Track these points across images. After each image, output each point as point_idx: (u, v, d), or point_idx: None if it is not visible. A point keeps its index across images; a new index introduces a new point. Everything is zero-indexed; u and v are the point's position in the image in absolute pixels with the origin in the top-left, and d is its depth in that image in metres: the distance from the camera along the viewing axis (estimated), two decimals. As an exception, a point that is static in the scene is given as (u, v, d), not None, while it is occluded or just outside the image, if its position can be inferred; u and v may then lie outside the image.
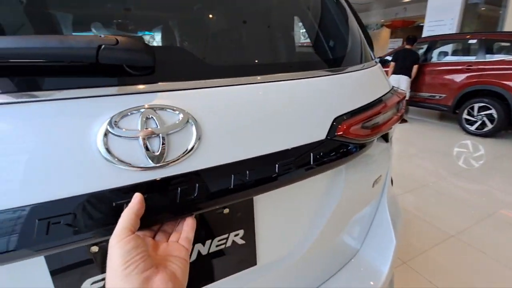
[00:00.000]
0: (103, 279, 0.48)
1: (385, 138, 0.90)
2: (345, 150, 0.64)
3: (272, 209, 0.64)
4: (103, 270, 0.48)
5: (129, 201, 0.41)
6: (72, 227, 0.39)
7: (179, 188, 0.45)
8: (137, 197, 0.41)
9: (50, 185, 0.38)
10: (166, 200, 0.45)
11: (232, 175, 0.49)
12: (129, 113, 0.43)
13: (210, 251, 0.57)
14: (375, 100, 0.74)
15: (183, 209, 0.46)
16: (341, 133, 0.62)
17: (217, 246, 0.58)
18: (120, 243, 0.37)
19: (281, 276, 0.72)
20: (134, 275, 0.35)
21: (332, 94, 0.65)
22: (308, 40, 0.86)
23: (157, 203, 0.44)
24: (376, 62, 0.86)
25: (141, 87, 0.45)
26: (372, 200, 0.91)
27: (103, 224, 0.41)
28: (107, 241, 0.42)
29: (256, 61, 0.69)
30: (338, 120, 0.63)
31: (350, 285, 0.84)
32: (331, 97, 0.65)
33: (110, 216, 0.41)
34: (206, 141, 0.48)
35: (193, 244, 0.54)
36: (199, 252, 0.56)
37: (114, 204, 0.41)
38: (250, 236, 0.62)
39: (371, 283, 0.84)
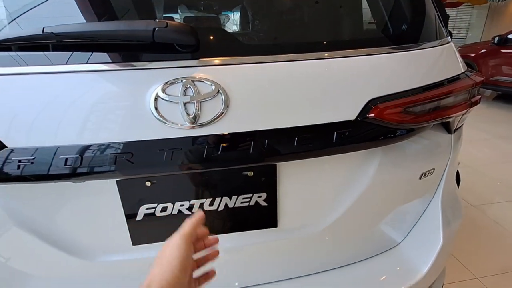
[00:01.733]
0: (154, 208, 0.65)
1: (447, 128, 0.80)
2: (375, 134, 0.63)
3: (295, 179, 0.69)
4: (153, 201, 0.64)
5: (167, 150, 0.54)
6: (129, 162, 0.55)
7: (206, 146, 0.56)
8: (200, 213, 0.48)
9: (116, 132, 0.55)
10: (195, 155, 0.56)
11: (253, 142, 0.57)
12: (173, 83, 0.55)
13: (235, 205, 0.68)
14: (430, 84, 0.67)
15: (208, 164, 0.57)
16: (372, 115, 0.61)
17: (241, 202, 0.68)
18: (182, 245, 0.41)
19: (303, 244, 0.78)
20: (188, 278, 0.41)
21: (371, 75, 0.64)
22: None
23: (188, 156, 0.56)
24: (448, 41, 0.75)
25: (185, 62, 0.56)
26: (421, 194, 0.85)
27: (150, 164, 0.55)
28: (155, 177, 0.58)
29: (296, 39, 0.72)
30: (373, 102, 0.62)
31: (378, 275, 0.83)
32: (368, 78, 0.63)
33: (154, 159, 0.55)
34: (233, 110, 0.57)
35: (220, 198, 0.66)
36: (226, 205, 0.67)
37: (158, 150, 0.55)
38: (272, 200, 0.69)
39: (403, 280, 0.81)
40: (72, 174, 0.54)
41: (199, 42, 0.54)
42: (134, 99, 0.55)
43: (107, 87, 0.55)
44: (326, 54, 0.62)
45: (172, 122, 0.55)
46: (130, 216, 0.65)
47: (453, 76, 0.72)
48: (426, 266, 0.81)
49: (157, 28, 0.50)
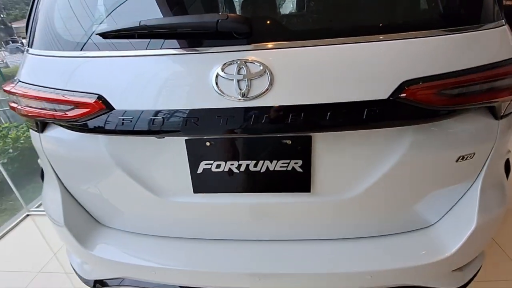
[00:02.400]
0: (210, 164, 0.82)
1: (493, 113, 0.78)
2: (407, 113, 0.69)
3: (328, 150, 0.79)
4: (210, 158, 0.81)
5: (223, 117, 0.70)
6: (195, 124, 0.72)
7: (252, 115, 0.70)
8: None
9: (187, 101, 0.72)
10: (244, 122, 0.71)
11: (291, 114, 0.69)
12: (230, 64, 0.69)
13: (275, 169, 0.81)
14: (471, 68, 0.67)
15: (253, 130, 0.71)
16: (404, 95, 0.66)
17: (280, 167, 0.81)
18: None
19: (332, 210, 0.88)
20: None
21: (406, 58, 0.68)
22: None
23: (238, 123, 0.71)
24: (503, 23, 0.72)
25: (240, 46, 0.70)
26: (458, 177, 0.86)
27: (210, 126, 0.72)
28: (213, 139, 0.77)
29: (337, 24, 0.79)
30: (407, 83, 0.66)
31: (406, 249, 0.89)
32: (403, 60, 0.68)
33: (213, 124, 0.71)
34: (277, 87, 0.69)
35: (263, 161, 0.80)
36: (267, 168, 0.81)
37: (216, 116, 0.71)
38: (306, 167, 0.80)
39: (430, 256, 0.86)
40: (156, 131, 0.74)
41: (252, 30, 0.67)
42: (201, 76, 0.71)
43: (182, 67, 0.74)
44: (367, 38, 0.68)
45: (228, 95, 0.70)
46: (193, 169, 0.83)
47: (502, 60, 0.70)
48: (456, 244, 0.84)
49: (219, 20, 0.64)
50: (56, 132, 0.89)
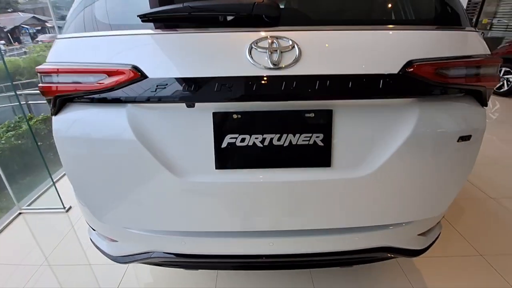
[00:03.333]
0: (235, 138, 0.84)
1: (480, 100, 0.92)
2: (412, 86, 0.81)
3: (348, 124, 0.87)
4: (236, 132, 0.84)
5: (256, 82, 0.77)
6: (228, 90, 0.77)
7: (284, 82, 0.78)
8: None
9: (222, 69, 0.79)
10: (275, 89, 0.78)
11: (318, 81, 0.78)
12: (264, 39, 0.80)
13: (298, 143, 0.86)
14: (457, 56, 0.85)
15: (284, 96, 0.79)
16: (411, 70, 0.80)
17: (303, 140, 0.86)
18: None
19: (352, 189, 0.91)
20: None
21: (410, 43, 0.85)
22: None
23: (270, 89, 0.78)
24: (476, 30, 0.95)
25: (271, 28, 0.82)
26: (460, 160, 0.95)
27: (244, 91, 0.78)
28: (240, 113, 0.82)
29: (355, 14, 0.96)
30: (412, 62, 0.81)
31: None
32: (409, 45, 0.85)
33: (247, 89, 0.77)
34: (304, 60, 0.80)
35: (287, 135, 0.85)
36: (290, 141, 0.86)
37: (250, 83, 0.77)
38: (327, 141, 0.86)
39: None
40: (188, 97, 0.78)
41: (280, 14, 0.81)
42: (235, 49, 0.80)
43: (218, 42, 0.82)
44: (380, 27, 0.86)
45: (260, 64, 0.78)
46: (217, 143, 0.85)
47: (477, 55, 0.89)
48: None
49: (255, 4, 0.77)
50: (73, 114, 0.87)
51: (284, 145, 0.86)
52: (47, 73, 0.85)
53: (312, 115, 0.85)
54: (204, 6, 0.80)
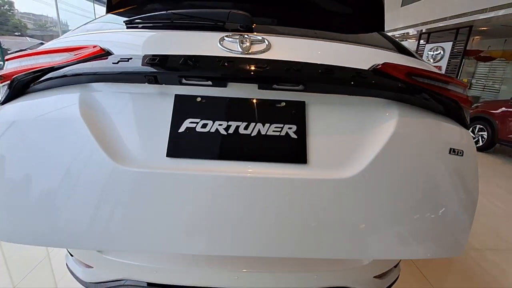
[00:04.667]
0: (196, 122, 0.76)
1: (460, 120, 0.87)
2: (381, 83, 0.78)
3: (323, 118, 0.79)
4: (198, 116, 0.77)
5: (226, 62, 0.73)
6: (195, 65, 0.72)
7: (251, 65, 0.74)
8: None
9: (191, 50, 0.78)
10: (244, 69, 0.74)
11: (286, 66, 0.74)
12: (235, 34, 0.81)
13: (267, 133, 0.76)
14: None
15: (251, 76, 0.74)
16: (380, 67, 0.78)
17: (273, 131, 0.76)
18: None
19: (333, 193, 0.75)
20: None
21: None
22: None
23: (240, 69, 0.74)
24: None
25: (245, 33, 0.83)
26: (457, 181, 0.81)
27: (211, 68, 0.73)
28: (206, 97, 0.77)
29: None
30: (383, 63, 0.79)
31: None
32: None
33: (214, 66, 0.73)
34: (273, 50, 0.80)
35: (255, 124, 0.76)
36: (259, 131, 0.76)
37: (221, 63, 0.73)
38: (301, 133, 0.76)
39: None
40: (154, 72, 0.73)
41: (252, 24, 0.87)
42: (209, 39, 0.81)
43: (195, 35, 0.85)
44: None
45: (230, 50, 0.77)
46: (174, 126, 0.76)
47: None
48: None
49: (230, 13, 0.84)
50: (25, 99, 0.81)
51: (252, 135, 0.75)
52: (14, 58, 0.86)
53: (283, 104, 0.78)
54: (185, 13, 0.87)
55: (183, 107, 0.77)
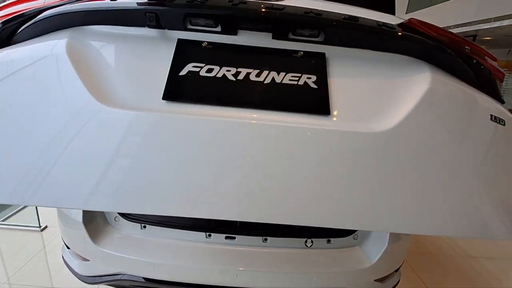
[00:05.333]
0: (201, 67, 0.66)
1: (494, 92, 0.76)
2: (410, 38, 0.69)
3: (344, 71, 0.70)
4: (203, 61, 0.67)
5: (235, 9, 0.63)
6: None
7: (267, 10, 0.65)
8: None
9: None
10: (258, 13, 0.65)
11: (303, 12, 0.65)
12: None
13: (283, 82, 0.66)
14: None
15: (265, 25, 0.67)
16: (408, 21, 0.73)
17: (289, 80, 0.66)
18: None
19: (359, 148, 0.63)
20: None
21: None
22: None
23: (253, 13, 0.65)
24: None
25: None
26: (497, 150, 0.70)
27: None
28: (212, 43, 0.67)
29: None
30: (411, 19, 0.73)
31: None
32: None
33: (221, 9, 0.64)
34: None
35: (268, 72, 0.66)
36: (273, 79, 0.66)
37: (231, 4, 0.64)
38: (322, 84, 0.66)
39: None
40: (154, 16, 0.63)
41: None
42: None
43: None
44: None
45: None
46: (174, 70, 0.65)
47: None
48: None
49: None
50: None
51: (265, 82, 0.66)
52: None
53: (301, 54, 0.69)
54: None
55: (187, 52, 0.68)
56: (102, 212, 1.04)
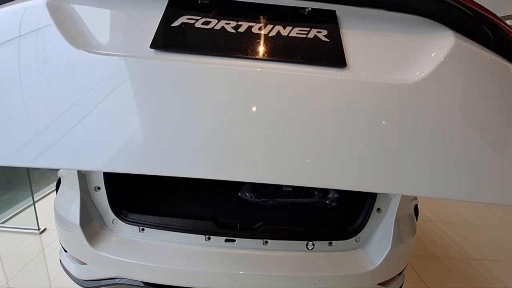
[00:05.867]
0: (196, 19, 0.61)
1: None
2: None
3: (357, 29, 0.65)
4: (199, 15, 0.62)
5: None
6: None
7: None
8: None
9: None
10: None
11: None
12: None
13: (290, 35, 0.60)
14: None
15: None
16: None
17: (297, 33, 0.60)
18: None
19: (381, 99, 0.57)
20: None
21: None
22: None
23: None
24: None
25: None
26: None
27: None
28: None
29: None
30: None
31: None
32: None
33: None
34: None
35: (273, 26, 0.61)
36: (278, 32, 0.60)
37: None
38: (334, 37, 0.61)
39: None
40: None
41: None
42: None
43: None
44: None
45: None
46: (165, 20, 0.61)
47: None
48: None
49: None
50: None
51: (269, 35, 0.60)
52: None
53: (309, 10, 0.65)
54: None
55: (180, 6, 0.63)
56: (100, 215, 1.02)
